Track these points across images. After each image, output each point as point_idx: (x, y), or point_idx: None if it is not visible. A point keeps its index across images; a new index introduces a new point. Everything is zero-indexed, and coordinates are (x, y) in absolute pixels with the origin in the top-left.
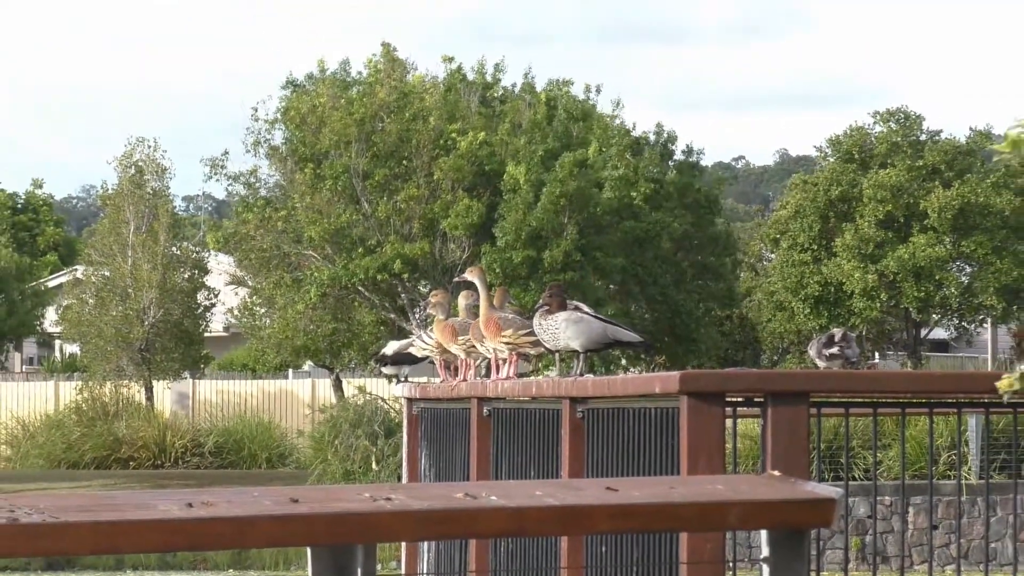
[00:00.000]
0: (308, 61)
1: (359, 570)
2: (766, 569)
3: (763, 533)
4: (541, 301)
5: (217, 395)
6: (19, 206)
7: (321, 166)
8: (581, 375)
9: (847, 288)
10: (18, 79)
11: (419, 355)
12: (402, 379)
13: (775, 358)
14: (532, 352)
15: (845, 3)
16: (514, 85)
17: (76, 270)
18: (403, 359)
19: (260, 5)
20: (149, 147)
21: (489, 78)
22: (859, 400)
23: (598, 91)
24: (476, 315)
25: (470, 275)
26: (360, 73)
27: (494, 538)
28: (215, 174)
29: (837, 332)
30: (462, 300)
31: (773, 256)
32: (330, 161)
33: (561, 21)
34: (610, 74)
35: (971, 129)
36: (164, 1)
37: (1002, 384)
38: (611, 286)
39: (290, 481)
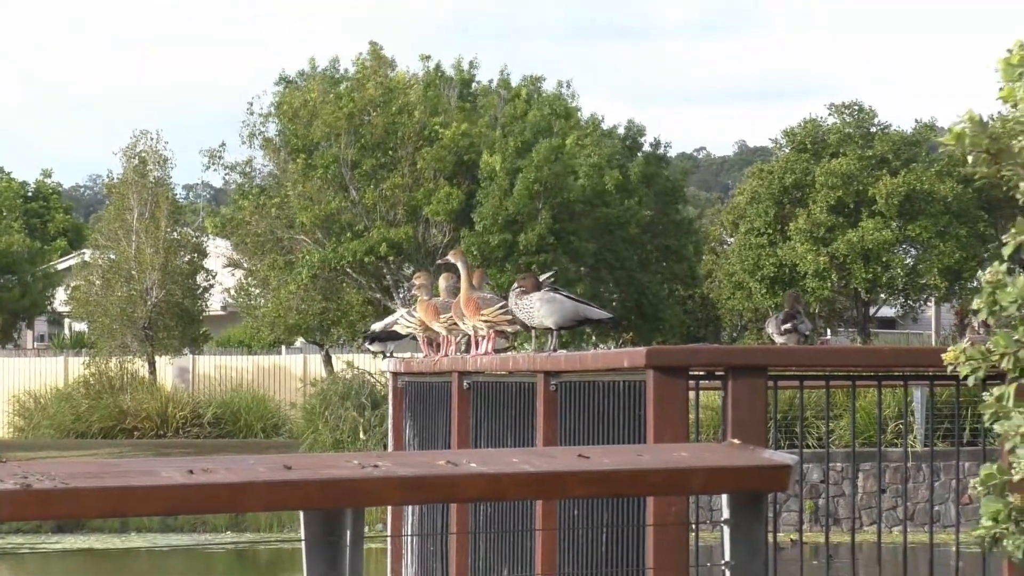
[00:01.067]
0: (300, 59)
1: (348, 532)
2: (727, 530)
3: (724, 497)
4: (516, 284)
5: (215, 370)
6: (30, 195)
7: (312, 156)
8: (554, 351)
9: (800, 269)
10: (28, 76)
11: (403, 332)
12: (388, 355)
13: (734, 334)
14: (509, 329)
15: (798, 3)
16: (491, 81)
17: (84, 254)
18: (389, 336)
19: (255, 7)
20: (152, 139)
21: (466, 75)
22: (813, 374)
23: (568, 86)
24: (456, 295)
25: (452, 258)
26: (348, 70)
27: (474, 502)
28: (213, 164)
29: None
30: (443, 282)
31: (732, 240)
32: (320, 152)
33: (534, 19)
34: (580, 69)
35: (916, 121)
36: (166, 3)
37: (948, 356)
38: (582, 268)
39: (283, 450)
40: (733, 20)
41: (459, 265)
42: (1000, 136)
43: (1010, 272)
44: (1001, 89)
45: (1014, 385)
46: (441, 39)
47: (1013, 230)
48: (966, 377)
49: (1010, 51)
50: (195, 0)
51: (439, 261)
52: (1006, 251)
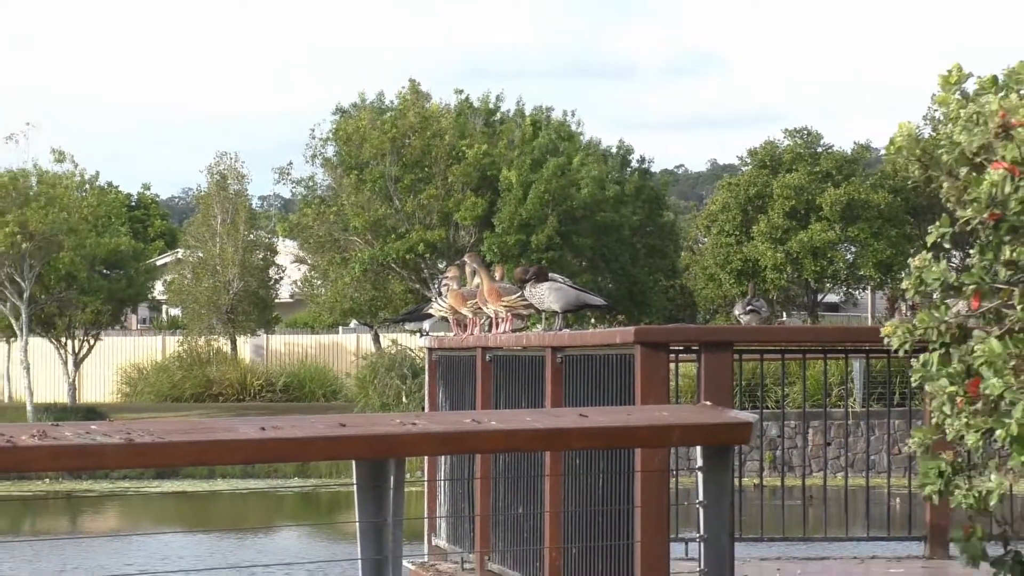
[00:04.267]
0: (352, 93)
1: (392, 478)
2: (700, 476)
3: (698, 448)
4: (529, 274)
5: (284, 346)
6: (133, 204)
7: (363, 173)
8: (560, 330)
9: (762, 264)
10: (131, 102)
11: (437, 315)
12: (424, 334)
13: (708, 317)
14: (524, 313)
15: (753, 48)
16: (508, 111)
17: (177, 252)
18: (424, 317)
19: (314, 50)
20: (231, 159)
21: (492, 106)
22: (771, 348)
23: (573, 115)
24: (460, 285)
25: (468, 259)
26: (392, 102)
27: (494, 453)
28: (282, 179)
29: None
30: (451, 273)
31: (706, 240)
32: (369, 169)
33: (544, 62)
34: (582, 102)
35: (855, 143)
36: (245, 47)
37: (886, 330)
38: (583, 262)
39: (340, 411)
40: (702, 63)
41: (475, 265)
42: (929, 147)
43: (935, 259)
44: (936, 96)
45: (936, 353)
46: (465, 76)
47: (938, 223)
48: (896, 349)
49: (949, 71)
50: (266, 46)
51: (457, 261)
52: (930, 239)
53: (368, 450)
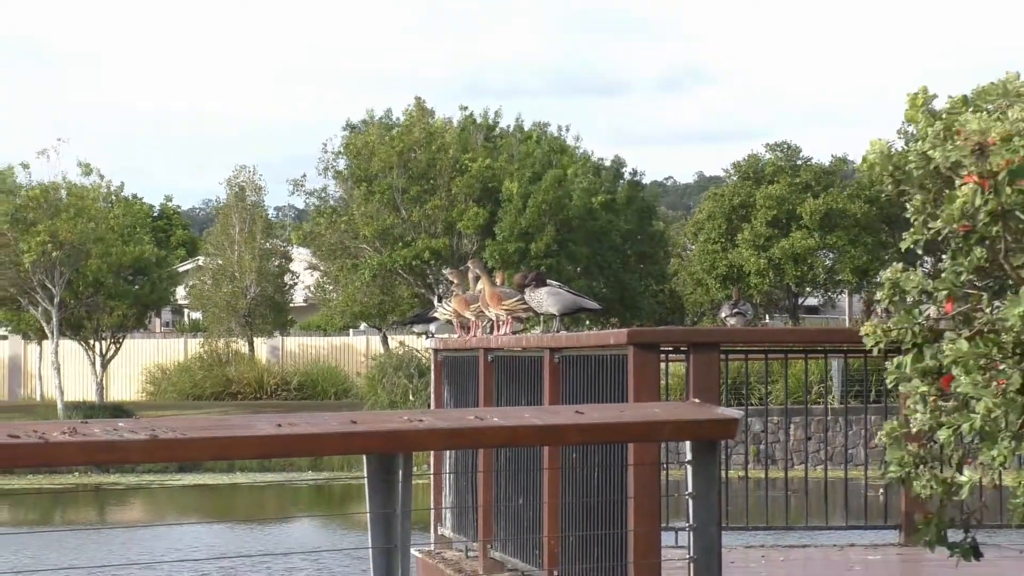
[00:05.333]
0: (359, 108)
1: (400, 471)
2: (689, 469)
3: (687, 443)
4: (528, 279)
5: (299, 348)
6: (156, 215)
7: (372, 184)
8: (557, 332)
9: (746, 269)
10: (152, 118)
11: (442, 318)
12: (430, 335)
13: (695, 319)
14: (523, 316)
15: (736, 68)
16: (508, 126)
17: (198, 260)
18: (425, 320)
19: (324, 68)
20: (249, 172)
21: (491, 122)
22: (755, 348)
23: (568, 130)
24: (463, 291)
25: (471, 265)
26: (399, 118)
27: (496, 447)
28: (296, 190)
29: (733, 295)
30: (453, 278)
31: (693, 247)
32: (378, 181)
33: (535, 80)
34: (576, 117)
35: (832, 156)
36: (259, 64)
37: (865, 329)
38: (579, 269)
39: (351, 409)
40: (690, 80)
41: (477, 271)
42: (901, 163)
43: (906, 269)
44: (907, 111)
45: (910, 354)
46: (467, 93)
47: (911, 230)
48: (870, 349)
49: (916, 93)
50: (278, 63)
51: (460, 267)
52: (904, 245)
53: (378, 445)
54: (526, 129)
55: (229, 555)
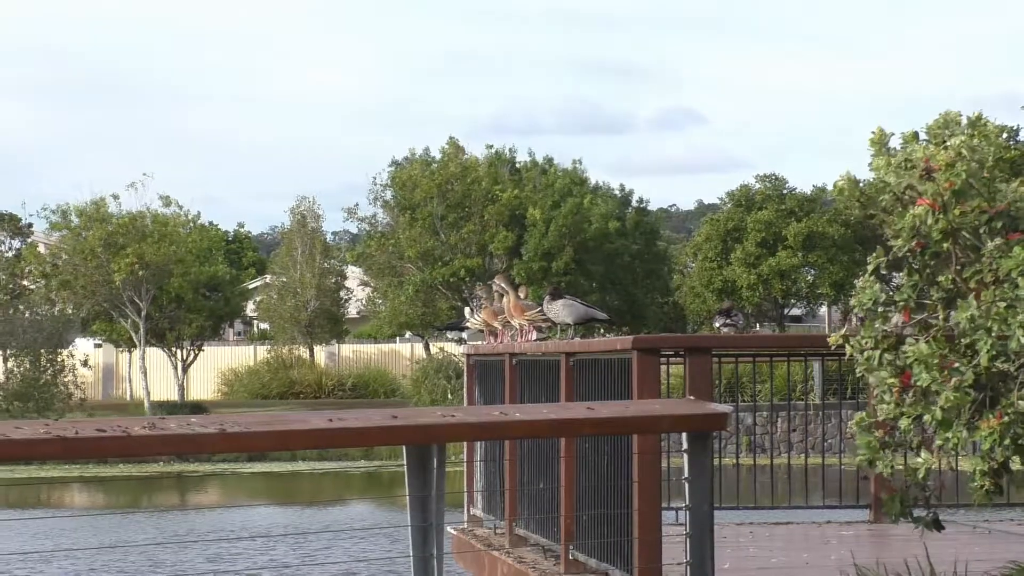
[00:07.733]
0: (403, 148)
1: (435, 460)
2: (686, 457)
3: (684, 435)
4: (547, 294)
5: (352, 354)
6: (230, 239)
7: (415, 212)
8: (572, 339)
9: (739, 284)
10: (220, 148)
11: (473, 328)
12: (463, 342)
13: (695, 327)
14: (543, 325)
15: (727, 108)
16: (525, 161)
17: (266, 278)
18: (463, 329)
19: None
20: (309, 201)
21: (510, 156)
22: (745, 352)
23: (580, 163)
24: (493, 302)
25: (498, 280)
26: (436, 156)
27: (519, 439)
28: (350, 217)
29: (726, 304)
30: (482, 293)
31: (693, 265)
32: (420, 209)
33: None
34: (588, 152)
35: (814, 186)
36: (319, 109)
37: (832, 339)
38: (593, 284)
39: (397, 407)
40: (686, 120)
41: (504, 285)
42: (869, 191)
43: (879, 280)
44: (871, 162)
45: (877, 351)
46: (492, 131)
47: (875, 254)
48: (849, 356)
49: (875, 133)
50: (328, 102)
51: (489, 282)
52: (870, 268)
53: (415, 437)
54: (539, 162)
55: (289, 534)
